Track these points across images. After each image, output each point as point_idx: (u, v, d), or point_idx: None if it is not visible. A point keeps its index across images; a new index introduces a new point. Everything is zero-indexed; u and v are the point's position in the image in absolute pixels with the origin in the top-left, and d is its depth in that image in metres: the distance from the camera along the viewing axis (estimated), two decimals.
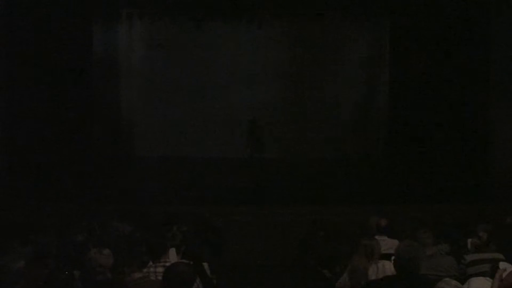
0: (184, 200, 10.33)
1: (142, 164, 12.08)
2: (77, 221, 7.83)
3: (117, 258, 4.66)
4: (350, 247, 6.25)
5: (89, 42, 11.94)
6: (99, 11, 12.18)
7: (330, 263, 6.21)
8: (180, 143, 12.24)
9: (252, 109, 12.32)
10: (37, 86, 10.82)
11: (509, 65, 10.70)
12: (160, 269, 4.64)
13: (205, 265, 5.60)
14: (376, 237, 6.18)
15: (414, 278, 3.91)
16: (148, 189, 10.90)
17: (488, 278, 4.52)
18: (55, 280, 4.17)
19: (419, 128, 11.63)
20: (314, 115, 12.93)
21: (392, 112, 12.54)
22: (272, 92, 12.70)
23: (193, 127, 12.46)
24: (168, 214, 8.28)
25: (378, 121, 12.95)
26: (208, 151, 12.12)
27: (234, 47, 12.75)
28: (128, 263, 4.68)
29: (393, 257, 4.31)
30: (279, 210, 10.16)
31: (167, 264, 4.56)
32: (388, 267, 5.11)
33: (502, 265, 4.46)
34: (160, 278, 4.17)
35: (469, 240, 6.28)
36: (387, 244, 6.12)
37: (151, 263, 5.05)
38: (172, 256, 5.49)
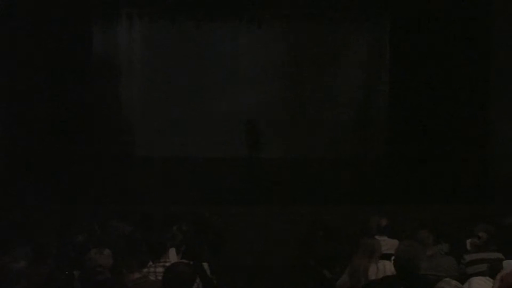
0: (184, 200, 10.33)
1: (142, 164, 12.08)
2: (77, 221, 7.83)
3: (117, 258, 4.66)
4: (350, 247, 6.24)
5: (89, 42, 11.93)
6: (99, 11, 12.18)
7: (330, 263, 6.21)
8: (180, 143, 12.24)
9: (252, 109, 12.33)
10: (37, 86, 10.81)
11: (510, 65, 10.70)
12: (160, 269, 4.65)
13: (205, 265, 5.60)
14: (376, 237, 6.18)
15: (414, 278, 3.91)
16: (148, 189, 10.90)
17: (488, 278, 4.52)
18: (55, 280, 4.17)
19: (419, 128, 11.63)
20: (314, 115, 12.93)
21: (392, 112, 12.53)
22: (272, 92, 12.70)
23: (193, 127, 12.46)
24: (168, 214, 8.27)
25: (378, 121, 12.95)
26: (208, 151, 12.12)
27: (234, 47, 12.75)
28: (128, 263, 4.68)
29: (393, 257, 4.32)
30: (279, 210, 10.16)
31: (167, 264, 4.57)
32: (388, 267, 5.11)
33: (507, 264, 4.46)
34: (160, 278, 4.17)
35: (468, 241, 6.28)
36: (387, 244, 6.12)
37: (151, 263, 5.05)
38: (172, 256, 5.50)
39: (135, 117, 12.85)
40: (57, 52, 10.92)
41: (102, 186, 10.91)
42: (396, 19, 12.54)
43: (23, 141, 10.55)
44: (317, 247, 6.91)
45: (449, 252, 6.02)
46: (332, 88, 12.93)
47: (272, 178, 11.65)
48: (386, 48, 12.81)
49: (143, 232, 6.58)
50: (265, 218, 9.85)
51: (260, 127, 12.07)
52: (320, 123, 12.87)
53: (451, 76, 11.35)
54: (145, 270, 4.94)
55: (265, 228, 9.66)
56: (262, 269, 8.79)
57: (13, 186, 10.14)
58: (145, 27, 12.68)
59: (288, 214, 9.85)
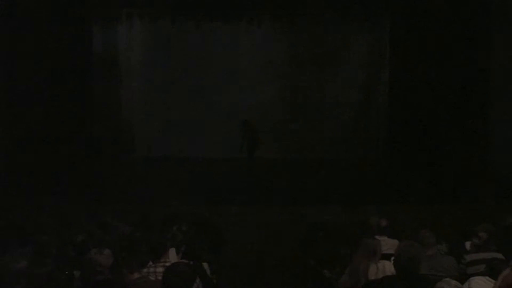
0: (184, 200, 10.33)
1: (142, 164, 12.09)
2: (77, 221, 7.83)
3: (117, 258, 4.66)
4: (350, 247, 6.24)
5: (89, 42, 11.93)
6: (99, 11, 12.18)
7: (330, 263, 6.20)
8: (180, 143, 12.24)
9: (251, 109, 12.34)
10: (37, 86, 10.82)
11: (509, 65, 10.70)
12: (160, 269, 4.65)
13: (205, 265, 5.60)
14: (376, 237, 6.17)
15: (414, 278, 3.91)
16: (148, 189, 10.90)
17: (488, 278, 4.52)
18: (55, 280, 4.17)
19: (419, 128, 11.63)
20: (314, 115, 12.93)
21: (392, 112, 12.53)
22: (272, 92, 12.71)
23: (193, 127, 12.47)
24: (168, 214, 8.27)
25: (378, 121, 12.95)
26: (208, 151, 12.12)
27: (234, 47, 12.75)
28: (128, 263, 4.68)
29: (393, 257, 4.32)
30: (279, 210, 10.16)
31: (167, 264, 4.57)
32: (388, 267, 5.11)
33: None
34: (160, 278, 4.17)
35: (468, 242, 6.28)
36: (387, 244, 6.12)
37: (151, 263, 5.05)
38: (172, 256, 5.49)
39: (135, 117, 12.86)
40: (57, 52, 10.93)
41: (102, 186, 10.92)
42: (396, 19, 12.53)
43: (23, 141, 10.56)
44: (317, 247, 6.91)
45: (449, 252, 6.01)
46: (332, 88, 12.93)
47: (272, 178, 11.65)
48: (386, 48, 12.80)
49: (143, 232, 6.59)
50: (265, 218, 9.85)
51: (258, 127, 12.07)
52: (320, 123, 12.87)
53: (451, 76, 11.35)
54: (145, 270, 4.93)
55: (265, 228, 9.65)
56: (262, 269, 8.79)
57: (13, 186, 10.15)
58: (145, 27, 12.68)
59: (288, 214, 9.85)
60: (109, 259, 4.50)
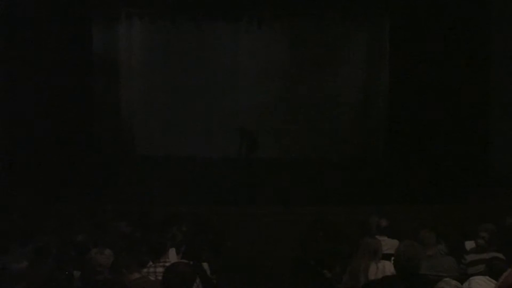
0: (184, 200, 10.33)
1: (142, 164, 12.08)
2: (77, 221, 7.83)
3: (117, 258, 4.66)
4: (350, 247, 6.25)
5: (89, 42, 11.93)
6: (99, 11, 12.18)
7: (330, 263, 6.20)
8: (180, 143, 12.23)
9: (252, 109, 12.34)
10: (37, 86, 10.82)
11: (509, 65, 10.71)
12: (160, 269, 4.65)
13: (205, 265, 5.60)
14: (376, 237, 6.18)
15: (414, 278, 3.91)
16: (148, 189, 10.90)
17: (488, 278, 4.52)
18: (55, 280, 4.17)
19: (419, 128, 11.63)
20: (314, 115, 12.92)
21: (392, 112, 12.53)
22: (272, 92, 12.70)
23: (193, 127, 12.46)
24: (168, 214, 8.28)
25: (378, 121, 12.94)
26: (208, 151, 12.12)
27: (234, 47, 12.75)
28: (128, 263, 4.68)
29: (393, 257, 4.32)
30: (279, 210, 10.16)
31: (167, 264, 4.57)
32: (388, 267, 5.11)
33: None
34: (160, 278, 4.17)
35: (467, 242, 6.28)
36: (387, 244, 6.12)
37: (151, 263, 5.05)
38: (172, 256, 5.50)
39: (135, 117, 12.85)
40: (57, 52, 10.93)
41: (102, 186, 10.92)
42: (396, 19, 12.53)
43: (23, 141, 10.56)
44: (317, 247, 6.91)
45: (449, 252, 6.02)
46: (332, 88, 12.92)
47: (272, 178, 11.65)
48: (386, 48, 12.79)
49: (143, 232, 6.60)
50: (265, 218, 9.85)
51: (256, 130, 12.08)
52: (320, 123, 12.86)
53: (451, 76, 11.35)
54: (145, 270, 4.94)
55: (265, 228, 9.66)
56: (262, 269, 8.79)
57: (13, 186, 10.15)
58: (145, 27, 12.67)
59: (288, 214, 9.85)
60: (109, 259, 4.50)
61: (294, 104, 12.96)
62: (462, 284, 4.24)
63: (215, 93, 12.61)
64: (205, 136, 12.31)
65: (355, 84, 13.03)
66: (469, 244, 6.24)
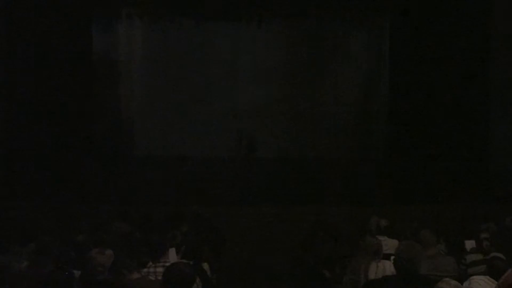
0: (184, 200, 10.33)
1: (141, 164, 12.07)
2: (77, 221, 7.83)
3: (117, 258, 4.66)
4: (350, 247, 6.25)
5: (89, 42, 11.92)
6: (99, 11, 12.17)
7: (330, 263, 6.20)
8: (180, 143, 12.23)
9: (252, 108, 12.34)
10: (37, 86, 10.82)
11: (509, 65, 10.71)
12: (160, 269, 4.64)
13: (205, 265, 5.59)
14: (376, 237, 6.17)
15: (414, 278, 3.91)
16: (148, 189, 10.90)
17: (488, 277, 4.52)
18: (55, 280, 4.16)
19: (419, 128, 11.63)
20: (314, 115, 12.92)
21: (392, 112, 12.53)
22: (271, 92, 12.69)
23: (193, 127, 12.45)
24: (168, 214, 8.28)
25: (378, 121, 12.94)
26: (207, 151, 12.11)
27: (234, 47, 12.74)
28: (128, 263, 4.68)
29: (393, 257, 4.32)
30: (279, 210, 10.16)
31: (167, 264, 4.56)
32: (388, 267, 5.11)
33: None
34: (160, 278, 4.17)
35: (468, 242, 6.28)
36: (387, 244, 6.12)
37: (151, 263, 5.05)
38: (172, 256, 5.49)
39: (135, 116, 12.85)
40: (57, 52, 10.93)
41: (102, 186, 10.92)
42: (396, 19, 12.53)
43: (23, 141, 10.56)
44: (317, 247, 6.91)
45: (449, 252, 6.01)
46: (332, 88, 12.91)
47: (271, 178, 11.65)
48: (386, 48, 12.79)
49: (143, 232, 6.59)
50: (265, 218, 9.85)
51: (254, 136, 12.09)
52: (320, 123, 12.86)
53: (450, 76, 11.35)
54: (145, 270, 4.94)
55: (265, 228, 9.66)
56: (262, 269, 8.79)
57: (13, 186, 10.15)
58: (145, 27, 12.67)
59: (288, 214, 9.85)
60: (110, 259, 4.50)
61: (294, 104, 12.95)
62: (462, 284, 4.24)
63: (215, 92, 12.61)
64: (205, 136, 12.30)
65: (355, 84, 13.03)
66: (469, 244, 6.23)
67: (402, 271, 3.95)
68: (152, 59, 12.84)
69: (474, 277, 4.62)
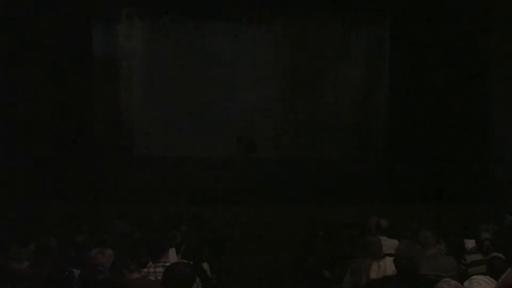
0: (184, 200, 10.34)
1: (141, 164, 12.08)
2: (77, 221, 7.83)
3: (117, 258, 4.66)
4: (350, 247, 6.25)
5: (89, 42, 11.93)
6: (99, 11, 12.18)
7: (330, 263, 6.21)
8: (180, 143, 12.24)
9: (251, 108, 12.34)
10: (37, 86, 10.82)
11: (510, 65, 10.71)
12: (160, 269, 4.65)
13: (205, 265, 5.60)
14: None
15: (414, 278, 3.91)
16: (148, 189, 10.90)
17: (489, 277, 4.52)
18: (55, 280, 4.17)
19: (419, 128, 11.63)
20: (314, 115, 12.93)
21: (392, 112, 12.54)
22: (272, 92, 12.70)
23: (193, 127, 12.46)
24: (167, 214, 8.28)
25: (378, 121, 12.95)
26: (207, 151, 12.12)
27: (233, 47, 12.75)
28: (128, 263, 4.68)
29: (393, 257, 4.32)
30: (279, 210, 10.16)
31: (167, 264, 4.56)
32: (389, 266, 5.10)
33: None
34: (160, 278, 4.17)
35: (468, 241, 6.28)
36: (387, 244, 6.11)
37: (151, 263, 5.05)
38: (172, 256, 5.50)
39: (135, 117, 12.85)
40: (57, 52, 10.93)
41: (102, 186, 10.92)
42: (396, 19, 12.53)
43: (24, 141, 10.56)
44: (317, 247, 6.92)
45: (449, 252, 6.02)
46: (332, 88, 12.92)
47: (271, 178, 11.65)
48: (386, 48, 12.80)
49: (143, 232, 6.60)
50: (265, 218, 9.86)
51: (253, 139, 12.10)
52: (320, 123, 12.87)
53: (451, 76, 11.35)
54: (145, 270, 4.94)
55: (266, 228, 9.66)
56: (262, 269, 8.79)
57: (13, 185, 10.15)
58: (145, 27, 12.67)
59: (288, 214, 9.85)
60: (110, 259, 4.51)
61: (294, 104, 12.96)
62: (462, 283, 4.24)
63: (215, 92, 12.62)
64: (204, 136, 12.31)
65: (355, 84, 13.03)
66: (469, 244, 6.23)
67: (402, 271, 3.95)
68: (152, 59, 12.84)
69: (475, 277, 4.62)
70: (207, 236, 6.92)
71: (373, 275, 5.11)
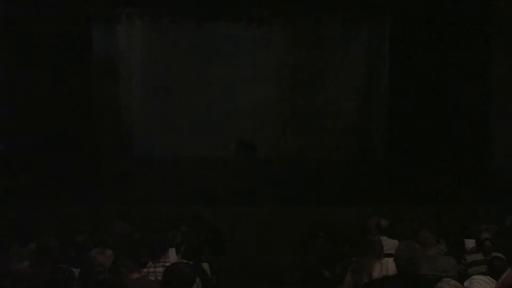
0: (184, 200, 10.33)
1: (141, 164, 12.07)
2: (77, 221, 7.84)
3: (117, 258, 4.66)
4: (350, 247, 6.25)
5: (89, 42, 11.93)
6: (99, 11, 12.17)
7: (330, 263, 6.21)
8: (180, 143, 12.23)
9: (252, 108, 12.34)
10: (37, 86, 10.82)
11: (510, 65, 10.71)
12: (160, 269, 4.65)
13: (205, 265, 5.60)
14: None
15: (414, 278, 3.91)
16: (148, 189, 10.90)
17: (489, 277, 4.53)
18: (55, 280, 4.17)
19: (419, 128, 11.63)
20: (314, 115, 12.92)
21: (392, 112, 12.52)
22: (271, 92, 12.69)
23: (193, 127, 12.45)
24: (168, 214, 8.28)
25: (378, 120, 12.93)
26: (207, 151, 12.11)
27: (234, 47, 12.74)
28: (128, 263, 4.68)
29: (393, 257, 4.32)
30: (279, 210, 10.16)
31: (167, 264, 4.57)
32: (391, 265, 5.10)
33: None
34: (160, 278, 4.17)
35: (468, 241, 6.29)
36: (387, 244, 6.11)
37: (151, 263, 5.06)
38: (172, 256, 5.50)
39: (135, 117, 12.84)
40: (57, 52, 10.93)
41: (102, 186, 10.92)
42: (396, 19, 12.52)
43: (23, 140, 10.57)
44: (317, 247, 6.91)
45: (449, 252, 6.02)
46: (332, 87, 12.91)
47: (271, 178, 11.65)
48: (386, 48, 12.78)
49: (143, 232, 6.60)
50: (265, 218, 9.86)
51: (252, 135, 12.10)
52: (320, 123, 12.86)
53: (451, 76, 11.35)
54: (145, 270, 4.94)
55: (265, 228, 9.66)
56: (262, 269, 8.80)
57: (13, 186, 10.16)
58: (145, 27, 12.67)
59: (288, 214, 9.85)
60: (110, 259, 4.51)
61: (293, 104, 12.95)
62: (462, 283, 4.24)
63: (215, 92, 12.61)
64: (204, 136, 12.30)
65: (355, 84, 13.02)
66: (469, 244, 6.24)
67: (402, 271, 3.95)
68: (152, 59, 12.83)
69: (475, 277, 4.63)
70: (207, 236, 6.93)
71: (377, 273, 5.11)
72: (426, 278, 4.39)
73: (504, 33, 10.79)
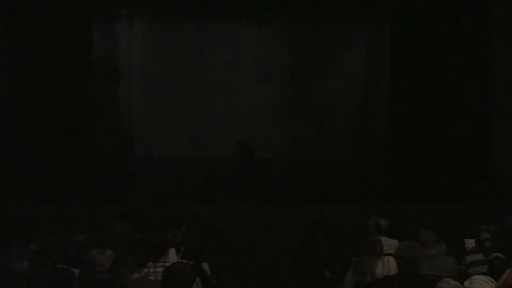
0: (184, 200, 10.33)
1: (141, 164, 12.07)
2: (77, 221, 7.83)
3: (117, 258, 4.66)
4: (350, 247, 6.25)
5: (89, 42, 11.93)
6: (99, 11, 12.17)
7: (330, 263, 6.21)
8: (180, 142, 12.23)
9: (251, 108, 12.34)
10: (37, 86, 10.82)
11: (510, 65, 10.70)
12: (160, 269, 4.65)
13: (205, 265, 5.60)
14: None
15: (414, 278, 3.92)
16: (148, 189, 10.90)
17: (489, 278, 4.53)
18: (55, 280, 4.17)
19: (419, 128, 11.62)
20: (314, 115, 12.92)
21: (392, 112, 12.52)
22: (271, 92, 12.69)
23: (193, 127, 12.45)
24: (168, 214, 8.28)
25: (378, 120, 12.93)
26: (207, 151, 12.11)
27: (233, 47, 12.74)
28: (127, 263, 4.68)
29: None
30: (279, 210, 10.16)
31: (167, 264, 4.57)
32: (392, 263, 5.10)
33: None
34: (160, 278, 4.17)
35: (468, 240, 6.29)
36: (387, 244, 6.11)
37: (151, 263, 5.06)
38: (172, 256, 5.50)
39: (135, 117, 12.85)
40: (57, 52, 10.93)
41: (102, 186, 10.92)
42: (396, 20, 12.52)
43: (23, 140, 10.56)
44: (317, 247, 6.91)
45: (449, 252, 6.02)
46: (332, 87, 12.91)
47: (271, 178, 11.65)
48: (386, 48, 12.79)
49: (143, 232, 6.60)
50: (265, 218, 9.85)
51: (252, 136, 12.09)
52: (320, 123, 12.86)
53: (451, 76, 11.35)
54: (145, 270, 4.94)
55: (265, 228, 9.66)
56: (262, 269, 8.80)
57: (13, 185, 10.15)
58: (145, 27, 12.66)
59: (288, 214, 9.85)
60: (110, 259, 4.51)
61: (294, 104, 12.95)
62: (462, 283, 4.24)
63: (215, 92, 12.61)
64: (204, 136, 12.30)
65: (355, 84, 13.02)
66: (469, 244, 6.24)
67: (402, 271, 3.95)
68: (152, 59, 12.83)
69: (475, 277, 4.63)
70: (207, 236, 6.92)
71: (379, 271, 5.10)
72: (426, 278, 4.39)
73: (504, 33, 10.79)
